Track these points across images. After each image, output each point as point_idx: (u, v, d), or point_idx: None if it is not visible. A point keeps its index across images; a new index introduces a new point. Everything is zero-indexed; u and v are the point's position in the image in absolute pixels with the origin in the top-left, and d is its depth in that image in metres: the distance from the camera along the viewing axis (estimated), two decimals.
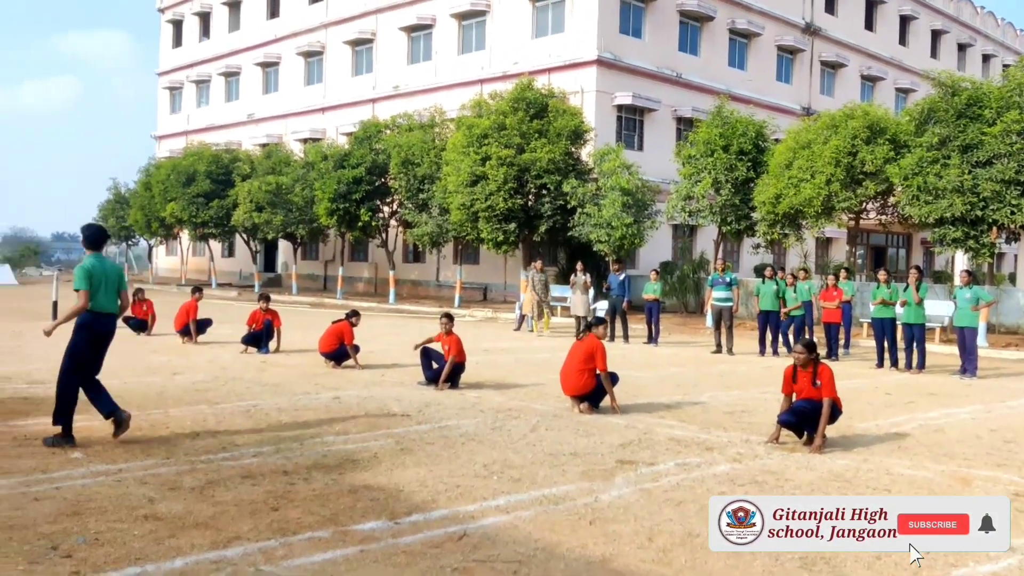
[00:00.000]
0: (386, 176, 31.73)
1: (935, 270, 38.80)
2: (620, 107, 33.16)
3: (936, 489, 6.77)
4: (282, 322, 15.62)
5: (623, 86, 32.87)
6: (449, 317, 11.76)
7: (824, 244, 38.75)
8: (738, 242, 29.05)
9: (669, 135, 34.17)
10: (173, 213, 39.42)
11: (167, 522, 5.39)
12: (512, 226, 26.38)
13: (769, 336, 17.42)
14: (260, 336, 15.14)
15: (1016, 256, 34.09)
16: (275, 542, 5.09)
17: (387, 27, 40.40)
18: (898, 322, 15.84)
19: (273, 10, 47.80)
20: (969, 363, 14.54)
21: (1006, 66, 40.09)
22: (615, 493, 6.37)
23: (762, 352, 17.33)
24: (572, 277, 20.66)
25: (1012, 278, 33.60)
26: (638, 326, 20.78)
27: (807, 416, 8.13)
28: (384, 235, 33.45)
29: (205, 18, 53.02)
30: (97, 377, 7.72)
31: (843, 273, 17.98)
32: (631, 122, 33.91)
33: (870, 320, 16.97)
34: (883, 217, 24.25)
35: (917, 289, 14.91)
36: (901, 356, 15.48)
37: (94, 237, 7.69)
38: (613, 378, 9.87)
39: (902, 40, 46.77)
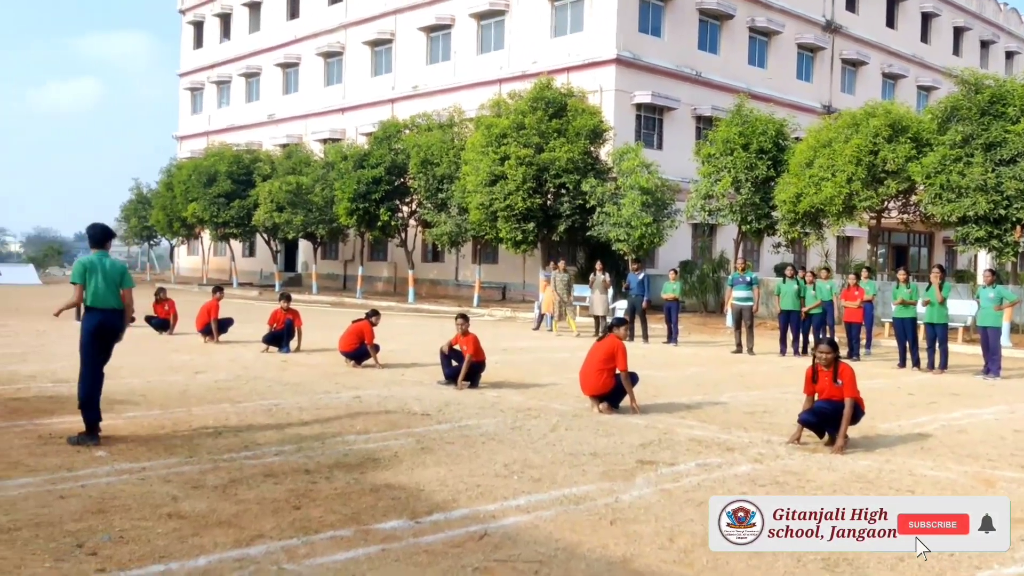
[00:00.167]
0: (405, 176, 31.83)
1: (958, 269, 38.46)
2: (639, 106, 33.09)
3: (959, 490, 6.72)
4: (303, 321, 15.70)
5: (642, 85, 32.79)
6: (464, 318, 11.75)
7: (845, 243, 38.53)
8: (758, 241, 28.90)
9: (688, 134, 34.05)
10: (194, 213, 39.70)
11: (191, 520, 5.44)
12: (531, 226, 26.38)
13: (790, 336, 17.35)
14: (281, 335, 15.21)
15: None
16: (297, 541, 5.12)
17: (406, 27, 40.50)
18: (920, 322, 15.73)
19: (293, 11, 48.03)
20: (992, 363, 14.41)
21: None
22: (636, 493, 6.37)
23: (783, 352, 17.26)
24: (591, 277, 20.62)
25: None
26: (658, 326, 20.72)
27: (827, 416, 8.08)
28: (403, 235, 33.54)
29: (226, 19, 53.34)
30: (99, 377, 7.80)
31: (864, 272, 17.86)
32: (650, 121, 33.82)
33: (891, 320, 16.86)
34: (905, 216, 24.07)
35: (940, 288, 14.79)
36: (923, 356, 15.38)
37: (97, 236, 7.94)
38: (633, 378, 9.85)
39: (924, 37, 46.39)
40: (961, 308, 19.98)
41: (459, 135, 30.69)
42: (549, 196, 26.91)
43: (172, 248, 52.62)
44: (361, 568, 4.74)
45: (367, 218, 32.16)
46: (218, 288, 17.85)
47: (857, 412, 8.11)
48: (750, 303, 17.59)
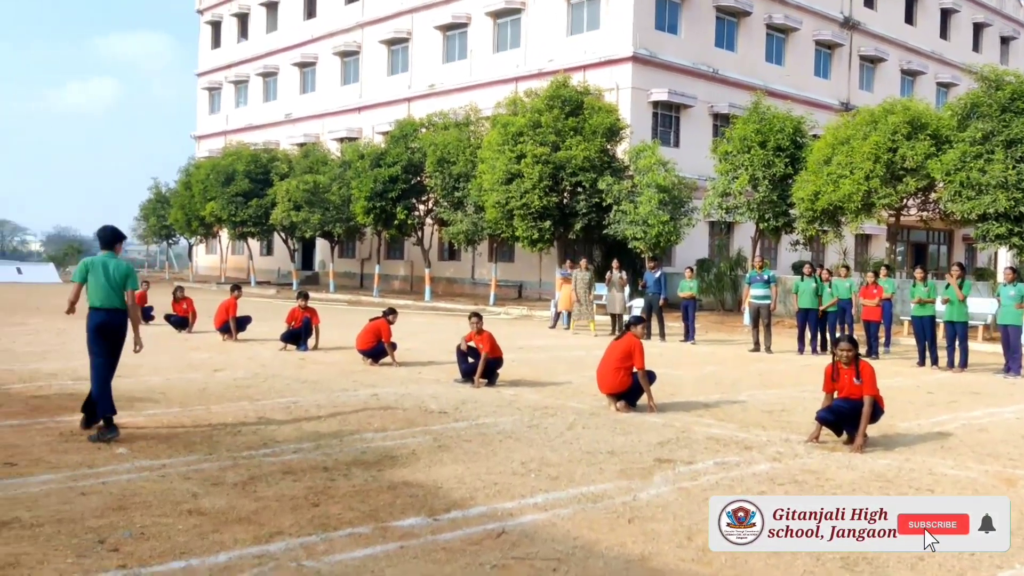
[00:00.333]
0: (422, 175, 31.88)
1: (978, 267, 38.15)
2: (656, 104, 33.01)
3: (980, 490, 6.67)
4: (320, 320, 15.77)
5: (659, 82, 32.70)
6: (478, 316, 11.78)
7: (863, 241, 38.29)
8: (776, 239, 28.77)
9: (705, 131, 33.93)
10: (213, 212, 39.91)
11: (210, 517, 5.48)
12: (547, 224, 26.36)
13: (808, 334, 17.27)
14: (299, 333, 15.28)
15: None
16: (316, 537, 5.15)
17: (422, 26, 40.56)
18: (939, 320, 15.63)
19: (310, 10, 48.20)
20: (1013, 362, 14.29)
21: None
22: (653, 492, 6.36)
23: (800, 350, 17.19)
24: (608, 275, 20.58)
25: None
26: (675, 324, 20.68)
27: (845, 415, 8.05)
28: (420, 233, 33.61)
29: (243, 19, 53.59)
30: (107, 370, 7.87)
31: (883, 270, 17.75)
32: (667, 119, 33.73)
33: (910, 318, 16.76)
34: (924, 213, 23.90)
35: (960, 286, 14.68)
36: (942, 354, 15.27)
37: (106, 237, 8.16)
38: (650, 376, 9.84)
39: (943, 34, 46.02)
40: (981, 306, 19.83)
41: (475, 134, 30.70)
42: (565, 194, 26.88)
43: (190, 247, 52.95)
44: (379, 565, 4.76)
45: (384, 217, 32.24)
46: (236, 287, 17.94)
47: (876, 410, 8.07)
48: (768, 301, 17.53)
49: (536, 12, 35.64)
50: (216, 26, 56.07)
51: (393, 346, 13.44)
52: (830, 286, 17.02)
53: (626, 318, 16.45)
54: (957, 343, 14.91)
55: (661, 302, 19.40)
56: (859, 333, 17.35)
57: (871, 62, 41.86)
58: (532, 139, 26.19)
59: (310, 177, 35.37)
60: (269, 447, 7.47)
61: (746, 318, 19.78)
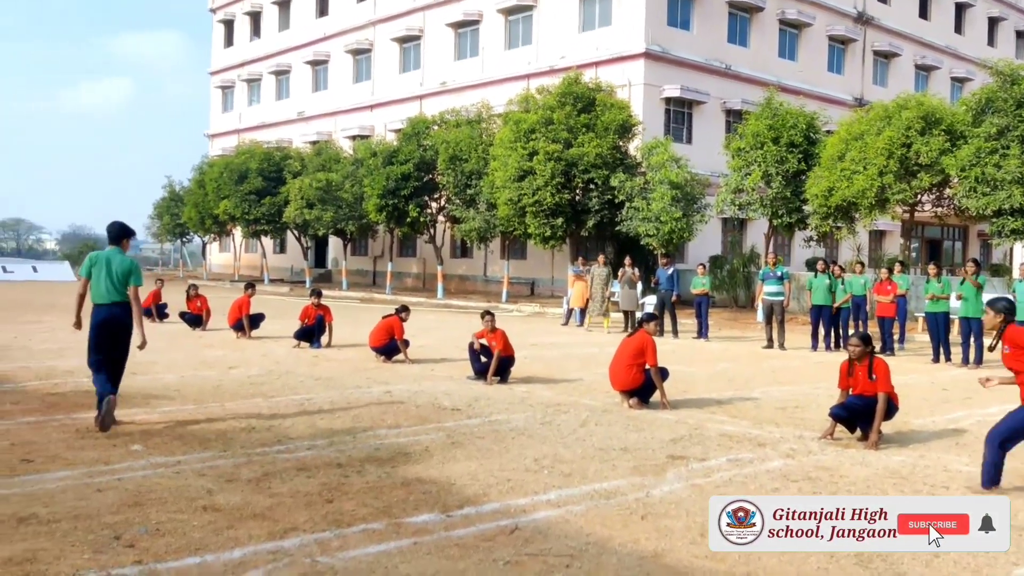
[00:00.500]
0: (434, 172, 31.92)
1: (993, 263, 37.88)
2: (668, 100, 32.92)
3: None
4: (333, 317, 15.81)
5: (671, 79, 32.61)
6: (490, 314, 11.80)
7: (877, 237, 38.10)
8: (789, 235, 28.67)
9: (718, 128, 33.81)
10: (226, 210, 40.08)
11: (225, 513, 5.51)
12: (559, 221, 26.35)
13: (822, 331, 17.21)
14: (312, 331, 15.33)
15: None
16: (330, 533, 5.17)
17: (434, 23, 40.58)
18: (953, 316, 15.54)
19: (322, 8, 48.29)
20: None
21: None
22: (666, 488, 6.36)
23: (814, 347, 17.12)
24: (620, 272, 20.55)
25: None
26: (687, 321, 20.63)
27: (859, 411, 8.02)
28: (432, 231, 33.65)
29: (256, 17, 53.75)
30: (104, 366, 8.12)
31: (897, 267, 17.67)
32: (679, 115, 33.64)
33: (924, 314, 16.68)
34: (939, 209, 23.76)
35: (976, 279, 14.61)
36: (957, 351, 15.19)
37: (113, 233, 8.37)
38: (663, 373, 9.83)
39: (958, 28, 45.70)
40: None
41: (487, 131, 30.71)
42: (578, 191, 26.86)
43: (204, 245, 53.18)
44: (393, 561, 4.77)
45: (396, 214, 32.30)
46: (250, 285, 18.02)
47: (891, 407, 8.03)
48: (781, 298, 17.47)
49: (547, 9, 35.59)
50: (229, 25, 56.26)
51: (406, 343, 13.47)
52: (842, 283, 16.96)
53: (639, 315, 16.43)
54: (972, 339, 14.84)
55: (674, 299, 19.37)
56: (873, 330, 17.28)
57: (885, 57, 41.62)
58: (544, 136, 26.17)
59: (323, 175, 35.46)
60: (283, 444, 7.51)
61: (759, 315, 19.73)
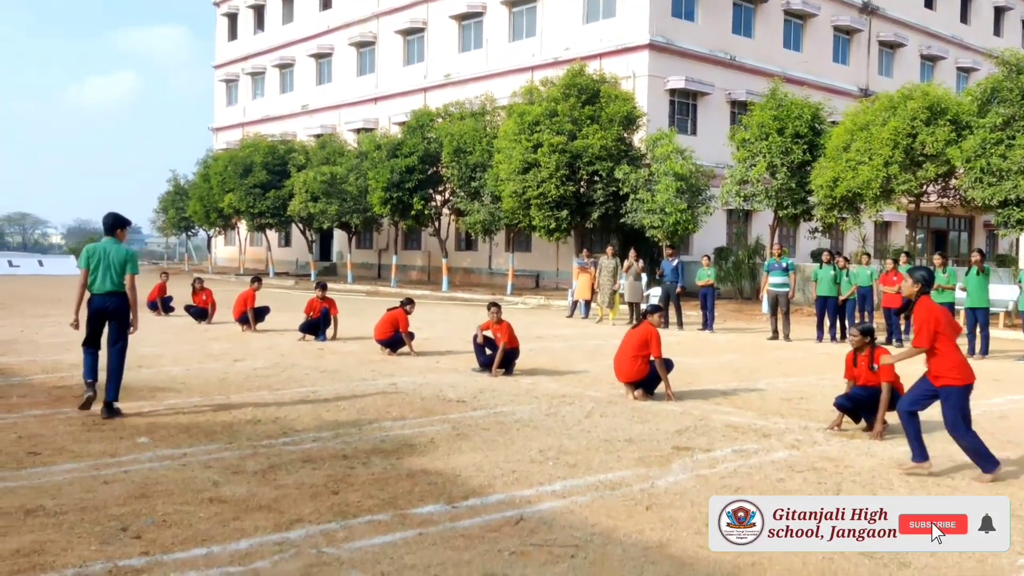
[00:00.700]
0: (438, 165, 31.89)
1: (999, 254, 37.78)
2: (673, 91, 32.83)
3: (1001, 476, 6.64)
4: (338, 310, 15.83)
5: (676, 70, 32.52)
6: (496, 306, 11.81)
7: (883, 228, 38.01)
8: (795, 227, 28.62)
9: (723, 119, 33.75)
10: (231, 204, 40.13)
11: (231, 505, 5.53)
12: (564, 213, 26.33)
13: (827, 322, 17.19)
14: (317, 324, 15.34)
15: None
16: (336, 525, 5.19)
17: (438, 16, 40.51)
18: (959, 307, 15.50)
19: (326, 1, 48.24)
20: None
21: None
22: (671, 479, 6.37)
23: (819, 338, 17.10)
24: (625, 263, 20.53)
25: None
26: (692, 312, 20.62)
27: (863, 402, 8.03)
28: (437, 223, 33.64)
29: (259, 11, 53.72)
30: (99, 351, 8.35)
31: (903, 257, 17.62)
32: (684, 106, 33.56)
33: None
34: (944, 200, 23.67)
35: (982, 269, 14.58)
36: (963, 341, 15.14)
37: (108, 223, 8.49)
38: (668, 365, 9.83)
39: (963, 18, 45.50)
40: (1002, 293, 19.67)
41: (492, 123, 30.68)
42: (582, 183, 26.83)
43: (209, 239, 53.25)
44: (399, 552, 4.79)
45: (401, 207, 32.29)
46: (257, 278, 18.05)
47: (895, 397, 8.02)
48: (786, 289, 17.44)
49: (552, 0, 35.50)
50: (233, 18, 56.24)
51: (411, 336, 13.48)
52: (847, 274, 16.92)
53: (643, 307, 16.42)
54: (978, 330, 14.81)
55: (679, 290, 19.35)
56: (879, 321, 17.27)
57: (890, 47, 41.45)
58: (548, 128, 26.14)
59: (327, 168, 35.47)
60: (288, 436, 7.53)
61: (765, 306, 19.71)
